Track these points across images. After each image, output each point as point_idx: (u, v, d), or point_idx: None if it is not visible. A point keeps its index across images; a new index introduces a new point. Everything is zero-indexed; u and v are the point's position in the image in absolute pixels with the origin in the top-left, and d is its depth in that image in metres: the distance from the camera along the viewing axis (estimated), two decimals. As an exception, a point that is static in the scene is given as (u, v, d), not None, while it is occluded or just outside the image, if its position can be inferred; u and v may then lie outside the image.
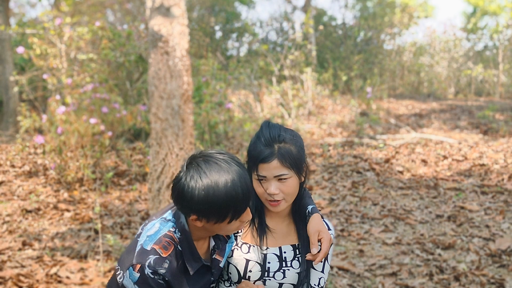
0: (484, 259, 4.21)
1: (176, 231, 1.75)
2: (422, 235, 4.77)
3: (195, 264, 1.76)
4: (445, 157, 7.64)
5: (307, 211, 1.96)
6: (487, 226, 4.94)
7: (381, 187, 6.35)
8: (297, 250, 1.93)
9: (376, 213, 5.42)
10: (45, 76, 6.66)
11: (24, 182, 6.40)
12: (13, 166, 7.10)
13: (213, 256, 1.86)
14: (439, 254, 4.32)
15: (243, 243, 1.93)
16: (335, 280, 3.91)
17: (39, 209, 5.43)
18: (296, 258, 1.93)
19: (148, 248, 1.69)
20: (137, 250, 1.71)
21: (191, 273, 1.75)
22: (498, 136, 9.22)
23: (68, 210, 5.44)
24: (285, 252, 1.92)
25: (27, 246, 4.49)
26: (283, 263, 1.91)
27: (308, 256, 1.84)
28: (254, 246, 1.92)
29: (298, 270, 1.92)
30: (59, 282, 3.82)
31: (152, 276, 1.65)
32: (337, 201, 5.84)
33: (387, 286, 3.80)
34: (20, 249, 4.43)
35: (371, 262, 4.20)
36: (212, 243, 1.86)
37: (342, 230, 4.94)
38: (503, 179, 6.39)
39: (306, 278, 1.94)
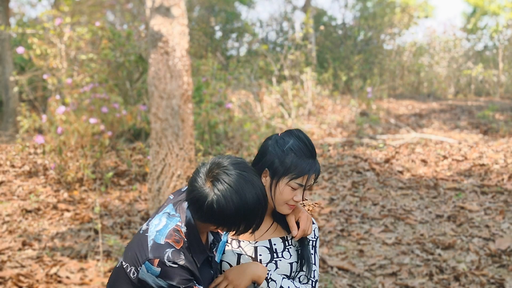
0: (484, 259, 4.21)
1: (183, 225, 1.80)
2: (422, 235, 4.77)
3: (201, 256, 1.82)
4: (445, 157, 7.64)
5: None
6: (487, 226, 4.94)
7: (381, 187, 6.35)
8: (286, 242, 2.00)
9: (376, 213, 5.42)
10: (45, 76, 6.65)
11: (24, 182, 6.40)
12: (13, 166, 7.10)
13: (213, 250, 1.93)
14: (439, 254, 4.32)
15: (233, 239, 1.99)
16: (335, 280, 3.91)
17: (39, 209, 5.42)
18: (287, 249, 1.99)
19: (162, 242, 1.74)
20: (150, 245, 1.75)
21: (198, 265, 1.81)
22: (498, 136, 9.22)
23: (68, 210, 5.44)
24: (275, 244, 1.98)
25: (27, 246, 4.49)
26: (274, 254, 1.97)
27: (293, 234, 1.95)
28: (243, 241, 1.98)
29: (290, 261, 1.98)
30: (59, 282, 3.82)
31: (175, 265, 1.72)
32: (337, 201, 5.84)
33: (387, 286, 3.80)
34: (20, 249, 4.43)
35: (371, 262, 4.21)
36: (211, 237, 1.92)
37: (342, 230, 4.94)
38: (503, 179, 6.39)
39: (305, 264, 2.00)
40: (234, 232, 1.78)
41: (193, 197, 1.75)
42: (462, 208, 5.49)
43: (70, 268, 4.02)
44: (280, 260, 1.96)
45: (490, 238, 4.65)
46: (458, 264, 4.12)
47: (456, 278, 3.86)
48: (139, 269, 1.75)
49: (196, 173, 1.76)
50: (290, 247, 1.99)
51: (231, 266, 1.95)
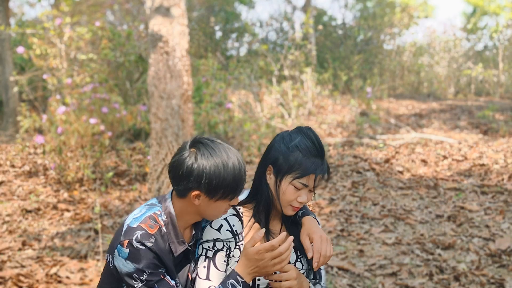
0: (484, 259, 4.21)
1: (162, 214, 1.82)
2: (422, 235, 4.77)
3: (179, 247, 1.83)
4: (445, 157, 7.64)
5: (297, 216, 1.98)
6: (487, 226, 4.94)
7: (381, 187, 6.36)
8: (298, 252, 1.94)
9: (376, 213, 5.42)
10: (45, 76, 6.65)
11: (24, 182, 6.40)
12: (13, 166, 7.10)
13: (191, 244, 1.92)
14: (439, 254, 4.32)
15: (243, 244, 1.90)
16: (335, 280, 3.91)
17: (39, 209, 5.43)
18: (299, 260, 1.93)
19: (134, 226, 1.77)
20: (124, 229, 1.78)
21: (175, 254, 1.81)
22: (498, 136, 9.22)
23: (68, 210, 5.44)
24: None
25: (27, 246, 4.50)
26: None
27: (314, 265, 1.84)
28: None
29: (303, 270, 1.93)
30: (59, 282, 3.82)
31: (142, 247, 1.72)
32: (337, 201, 5.84)
33: (387, 286, 3.80)
34: (20, 249, 4.43)
35: (371, 262, 4.21)
36: (193, 232, 1.92)
37: (342, 230, 4.94)
38: (503, 179, 6.39)
39: (318, 279, 1.94)
40: (213, 197, 1.76)
41: (174, 162, 1.78)
42: (462, 208, 5.49)
43: (70, 268, 4.02)
44: None
45: (490, 238, 4.65)
46: (458, 264, 4.12)
47: (456, 278, 3.86)
48: (113, 256, 1.76)
49: (180, 147, 1.82)
50: (302, 257, 1.94)
51: None
